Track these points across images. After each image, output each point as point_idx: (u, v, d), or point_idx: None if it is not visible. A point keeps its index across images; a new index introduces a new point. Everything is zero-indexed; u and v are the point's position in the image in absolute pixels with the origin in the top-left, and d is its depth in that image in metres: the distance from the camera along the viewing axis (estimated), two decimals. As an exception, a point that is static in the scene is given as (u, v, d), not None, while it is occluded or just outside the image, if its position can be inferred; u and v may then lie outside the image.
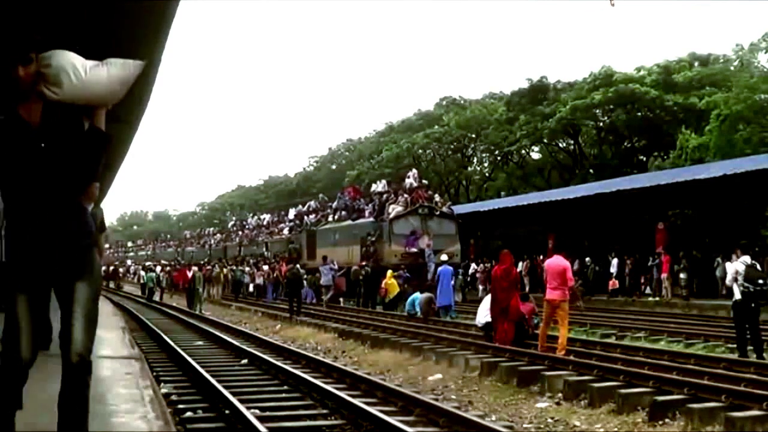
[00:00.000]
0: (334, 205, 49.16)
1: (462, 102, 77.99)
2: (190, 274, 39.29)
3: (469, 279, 42.46)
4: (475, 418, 9.90)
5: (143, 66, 4.63)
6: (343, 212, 45.90)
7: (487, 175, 72.63)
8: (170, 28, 11.01)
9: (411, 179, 43.31)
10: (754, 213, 38.37)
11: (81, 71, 4.36)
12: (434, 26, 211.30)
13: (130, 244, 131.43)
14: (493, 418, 11.05)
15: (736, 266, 15.83)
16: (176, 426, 8.89)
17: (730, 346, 17.21)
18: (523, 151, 65.31)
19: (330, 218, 47.93)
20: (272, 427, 9.58)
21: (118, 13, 10.32)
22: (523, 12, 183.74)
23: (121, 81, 4.50)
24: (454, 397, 12.93)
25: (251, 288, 47.13)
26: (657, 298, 34.51)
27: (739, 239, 31.01)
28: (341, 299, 37.69)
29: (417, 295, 27.61)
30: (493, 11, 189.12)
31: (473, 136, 68.55)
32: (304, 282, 36.57)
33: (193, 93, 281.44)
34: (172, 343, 19.02)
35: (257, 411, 10.55)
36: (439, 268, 28.71)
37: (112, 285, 61.22)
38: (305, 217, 54.36)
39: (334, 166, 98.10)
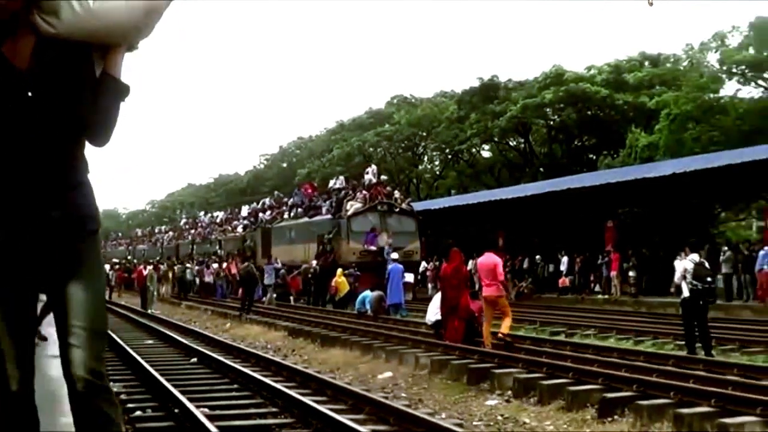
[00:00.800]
0: (290, 201, 48.62)
1: (413, 100, 78.21)
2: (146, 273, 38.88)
3: (419, 277, 42.44)
4: (425, 416, 9.89)
5: None
6: (300, 209, 45.24)
7: (437, 173, 72.92)
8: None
9: (370, 175, 42.55)
10: (702, 211, 38.90)
11: None
12: (386, 25, 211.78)
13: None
14: (443, 415, 11.03)
15: (684, 264, 16.05)
16: (126, 425, 8.78)
17: (678, 343, 17.36)
18: (474, 150, 65.61)
19: (286, 215, 47.31)
20: (222, 426, 9.51)
21: None
22: (475, 11, 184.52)
23: (147, 9, 3.18)
24: (404, 395, 12.89)
25: (197, 285, 46.83)
26: (606, 296, 34.83)
27: (688, 237, 31.36)
28: (291, 298, 37.42)
29: (368, 293, 27.61)
30: (444, 10, 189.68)
31: (424, 134, 68.82)
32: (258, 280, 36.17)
33: (140, 89, 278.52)
34: (121, 342, 18.78)
35: (207, 410, 10.48)
36: (389, 266, 28.71)
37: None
38: (260, 215, 53.48)
39: (285, 165, 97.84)
